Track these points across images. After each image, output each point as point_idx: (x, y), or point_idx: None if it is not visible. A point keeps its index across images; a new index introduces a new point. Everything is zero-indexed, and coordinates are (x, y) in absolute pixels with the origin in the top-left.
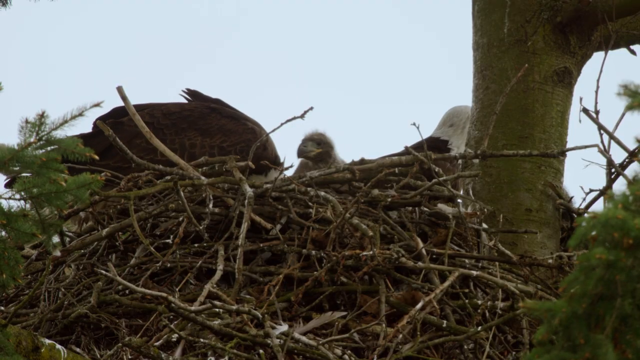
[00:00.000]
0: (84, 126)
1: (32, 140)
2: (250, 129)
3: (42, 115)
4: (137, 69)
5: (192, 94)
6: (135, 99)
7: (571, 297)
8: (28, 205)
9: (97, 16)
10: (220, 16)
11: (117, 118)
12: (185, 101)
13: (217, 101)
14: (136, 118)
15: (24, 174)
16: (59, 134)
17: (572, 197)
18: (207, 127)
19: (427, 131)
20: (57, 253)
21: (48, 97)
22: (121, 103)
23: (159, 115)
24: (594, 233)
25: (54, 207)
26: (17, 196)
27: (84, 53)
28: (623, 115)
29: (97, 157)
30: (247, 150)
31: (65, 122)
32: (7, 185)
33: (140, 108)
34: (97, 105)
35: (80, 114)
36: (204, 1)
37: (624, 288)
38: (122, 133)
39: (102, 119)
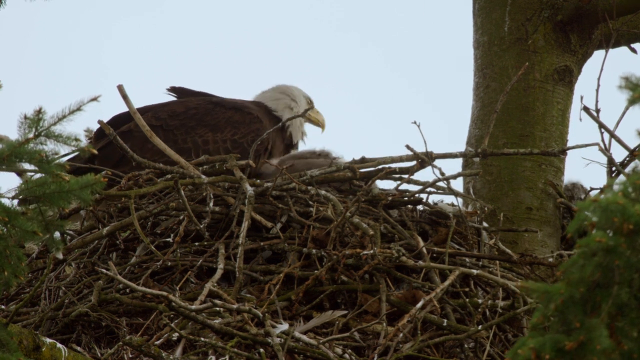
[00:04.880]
0: (83, 121)
1: (30, 136)
2: (256, 117)
3: (39, 111)
4: (134, 69)
5: (178, 90)
6: (132, 100)
7: (569, 282)
8: (31, 206)
9: (97, 17)
10: (218, 15)
11: (119, 126)
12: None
13: (205, 94)
14: (136, 117)
15: (28, 173)
16: (58, 129)
17: (589, 191)
18: (216, 122)
19: (428, 131)
20: (60, 255)
21: (51, 96)
22: (119, 109)
23: (164, 116)
24: (594, 219)
25: (57, 207)
26: (21, 196)
27: (83, 52)
28: (624, 113)
29: (96, 152)
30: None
31: (64, 117)
32: None
33: (142, 111)
34: (95, 99)
35: (79, 109)
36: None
37: (621, 276)
38: (133, 140)
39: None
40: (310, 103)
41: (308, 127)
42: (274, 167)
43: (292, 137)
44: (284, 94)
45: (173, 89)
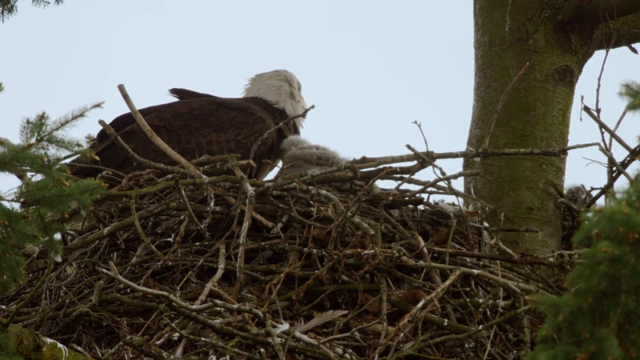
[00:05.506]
0: (85, 127)
1: (33, 140)
2: (259, 117)
3: (42, 116)
4: (135, 69)
5: (180, 92)
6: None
7: (576, 293)
8: (31, 208)
9: (96, 17)
10: (218, 15)
11: (123, 127)
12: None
13: (207, 96)
14: (137, 117)
15: (28, 175)
16: (60, 134)
17: (589, 191)
18: (219, 123)
19: (429, 130)
20: (58, 259)
21: (51, 97)
22: (120, 110)
23: (168, 117)
24: (598, 229)
25: (57, 211)
26: (21, 199)
27: (83, 53)
28: (624, 113)
29: (97, 158)
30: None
31: (67, 122)
32: None
33: (145, 112)
34: (98, 105)
35: (81, 115)
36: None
37: (628, 284)
38: (137, 141)
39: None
40: (299, 88)
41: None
42: (292, 149)
43: (296, 126)
44: (283, 80)
45: (175, 91)
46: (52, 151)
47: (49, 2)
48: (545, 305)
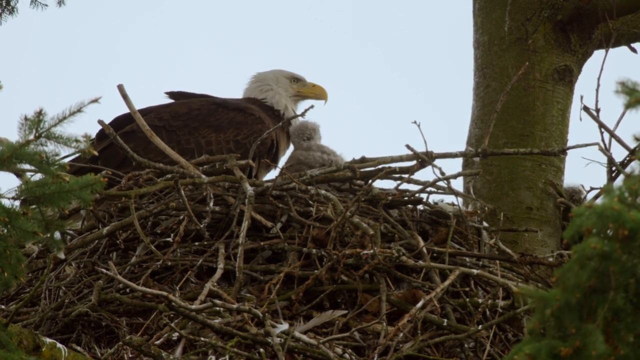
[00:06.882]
0: (83, 123)
1: (31, 137)
2: (258, 118)
3: (40, 113)
4: (134, 69)
5: (177, 95)
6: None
7: (565, 288)
8: (31, 207)
9: (96, 17)
10: (218, 15)
11: (122, 127)
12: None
13: (205, 97)
14: (137, 116)
15: (27, 173)
16: (59, 130)
17: (589, 191)
18: (218, 123)
19: (428, 130)
20: (62, 255)
21: (51, 97)
22: (120, 110)
23: (167, 117)
24: (588, 225)
25: (57, 207)
26: (21, 196)
27: (83, 53)
28: (624, 113)
29: (96, 153)
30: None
31: (65, 118)
32: None
33: (144, 112)
34: (95, 101)
35: (79, 110)
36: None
37: (617, 281)
38: (137, 141)
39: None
40: (297, 80)
41: (312, 102)
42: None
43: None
44: (280, 80)
45: (171, 94)
46: (51, 147)
47: (47, 5)
48: (534, 298)
